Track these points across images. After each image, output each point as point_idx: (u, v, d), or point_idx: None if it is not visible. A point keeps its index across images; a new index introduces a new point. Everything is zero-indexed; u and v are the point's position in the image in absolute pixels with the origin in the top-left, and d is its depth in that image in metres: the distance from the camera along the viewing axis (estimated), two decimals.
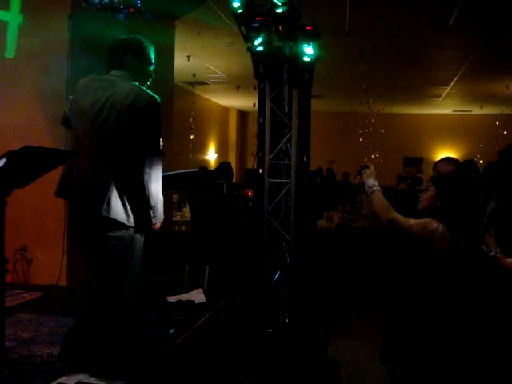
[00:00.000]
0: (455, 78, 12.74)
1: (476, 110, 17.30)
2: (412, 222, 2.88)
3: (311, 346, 4.98)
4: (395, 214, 2.87)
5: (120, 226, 3.39)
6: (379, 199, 2.94)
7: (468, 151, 17.13)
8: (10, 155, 2.88)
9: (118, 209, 3.36)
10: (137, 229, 3.48)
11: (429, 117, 18.44)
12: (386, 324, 3.09)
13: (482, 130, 16.29)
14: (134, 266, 3.56)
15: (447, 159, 4.41)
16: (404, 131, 18.14)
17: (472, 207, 2.99)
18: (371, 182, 3.02)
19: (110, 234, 3.40)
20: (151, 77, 3.74)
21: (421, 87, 14.21)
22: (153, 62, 3.70)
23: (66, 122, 3.73)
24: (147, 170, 3.40)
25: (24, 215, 6.13)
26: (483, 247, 3.39)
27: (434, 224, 2.86)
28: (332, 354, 4.84)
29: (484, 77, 12.61)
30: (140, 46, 3.65)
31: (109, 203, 3.32)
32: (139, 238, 3.56)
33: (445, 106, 17.12)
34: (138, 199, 3.43)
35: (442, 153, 16.66)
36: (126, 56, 3.59)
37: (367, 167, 3.10)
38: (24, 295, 5.62)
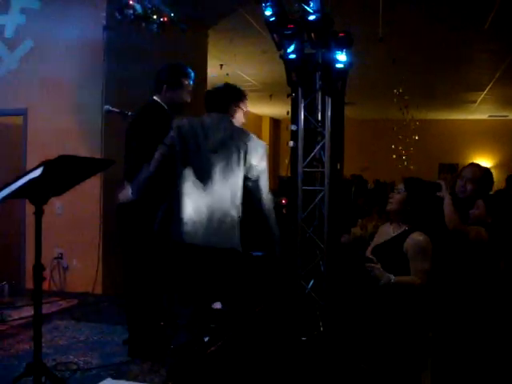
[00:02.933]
0: (491, 83, 12.54)
1: None
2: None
3: (346, 354, 4.93)
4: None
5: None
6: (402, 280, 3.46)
7: (505, 157, 16.85)
8: (46, 164, 2.92)
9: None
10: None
11: (464, 122, 18.18)
12: None
13: None
14: None
15: (476, 165, 4.34)
16: (439, 137, 17.91)
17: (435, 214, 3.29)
18: (386, 277, 3.43)
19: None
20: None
21: (456, 92, 14.03)
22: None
23: (163, 163, 3.56)
24: (269, 208, 3.68)
25: (60, 223, 6.22)
26: None
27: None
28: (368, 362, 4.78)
29: None
30: (244, 96, 3.88)
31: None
32: None
33: (480, 112, 16.85)
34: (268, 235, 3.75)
35: (478, 159, 16.39)
36: (230, 103, 3.77)
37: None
38: (60, 302, 5.69)
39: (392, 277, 3.41)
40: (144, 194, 3.62)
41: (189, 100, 4.27)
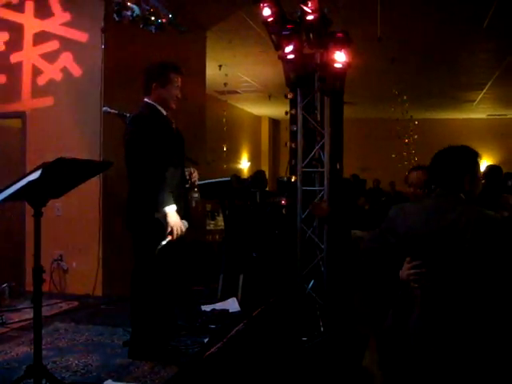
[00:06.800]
0: (489, 82, 12.54)
1: None
2: None
3: (346, 355, 4.93)
4: None
5: None
6: None
7: (504, 156, 16.84)
8: (45, 167, 2.92)
9: None
10: None
11: (463, 122, 18.18)
12: None
13: None
14: None
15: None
16: (438, 136, 17.84)
17: None
18: None
19: None
20: None
21: (454, 92, 14.04)
22: None
23: None
24: None
25: (60, 225, 6.21)
26: None
27: None
28: (368, 364, 4.78)
29: None
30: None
31: None
32: None
33: (479, 111, 16.86)
34: None
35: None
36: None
37: None
38: (61, 304, 5.68)
39: None
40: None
41: (179, 95, 4.16)
